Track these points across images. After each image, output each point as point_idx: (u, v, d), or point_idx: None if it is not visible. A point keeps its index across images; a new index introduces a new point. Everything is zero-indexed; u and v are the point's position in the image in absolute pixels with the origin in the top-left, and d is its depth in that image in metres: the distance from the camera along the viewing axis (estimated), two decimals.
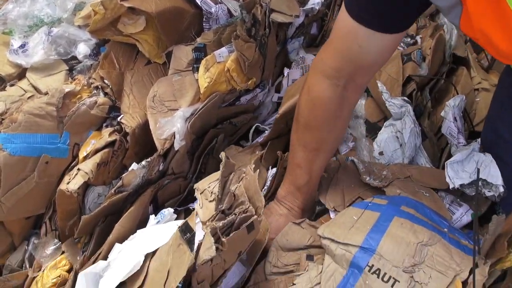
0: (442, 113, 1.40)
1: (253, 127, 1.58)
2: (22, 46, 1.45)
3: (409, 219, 1.01)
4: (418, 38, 1.84)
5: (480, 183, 1.15)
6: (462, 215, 1.18)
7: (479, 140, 1.26)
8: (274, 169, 1.35)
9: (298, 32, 1.82)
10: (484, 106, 1.63)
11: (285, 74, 1.66)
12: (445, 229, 1.02)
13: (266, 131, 1.54)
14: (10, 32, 1.51)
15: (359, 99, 1.29)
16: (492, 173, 1.15)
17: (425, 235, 0.97)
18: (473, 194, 1.16)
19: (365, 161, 1.31)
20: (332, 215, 1.19)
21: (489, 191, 1.14)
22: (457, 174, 1.17)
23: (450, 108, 1.37)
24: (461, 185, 1.16)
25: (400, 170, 1.27)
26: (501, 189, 1.14)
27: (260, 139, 1.52)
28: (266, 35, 1.53)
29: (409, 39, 1.84)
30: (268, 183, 1.33)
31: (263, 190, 1.30)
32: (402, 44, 1.81)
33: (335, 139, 1.24)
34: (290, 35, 1.80)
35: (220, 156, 1.07)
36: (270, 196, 1.31)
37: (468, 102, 1.64)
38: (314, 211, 1.26)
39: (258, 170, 1.11)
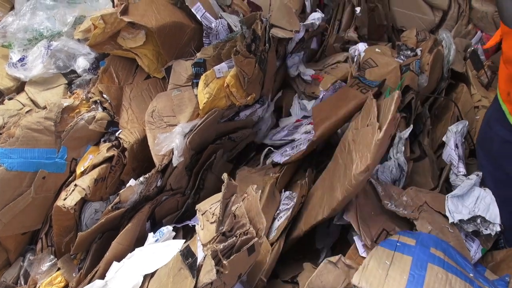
0: (444, 138, 1.39)
1: (266, 149, 1.56)
2: (21, 59, 1.44)
3: (441, 266, 1.01)
4: (418, 50, 1.84)
5: (478, 220, 1.15)
6: (476, 252, 1.18)
7: (480, 174, 1.26)
8: (288, 192, 1.34)
9: (298, 47, 1.82)
10: None
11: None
12: (471, 275, 1.03)
13: (284, 151, 1.52)
14: (10, 45, 1.50)
15: None
16: (491, 211, 1.15)
17: (459, 286, 0.97)
18: (471, 230, 1.16)
19: (381, 182, 1.30)
20: (358, 243, 1.16)
21: (486, 229, 1.15)
22: (457, 208, 1.17)
23: (452, 134, 1.36)
24: (460, 220, 1.17)
25: (416, 196, 1.26)
26: (498, 228, 1.15)
27: (279, 158, 1.48)
28: (266, 50, 1.52)
29: (409, 52, 1.84)
30: (281, 206, 1.31)
31: (277, 214, 1.28)
32: (402, 56, 1.81)
33: None
34: (290, 50, 1.80)
35: (222, 177, 1.06)
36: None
37: (468, 120, 1.63)
38: None
39: (260, 191, 1.10)
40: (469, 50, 1.90)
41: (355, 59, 1.81)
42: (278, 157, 1.46)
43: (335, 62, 1.90)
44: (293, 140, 1.53)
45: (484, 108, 1.67)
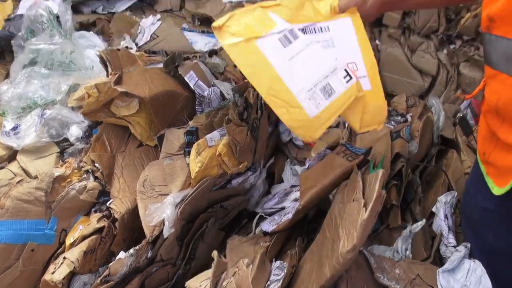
0: (434, 209, 1.39)
1: (257, 217, 1.54)
2: (15, 128, 1.45)
3: None
4: (408, 116, 1.87)
5: None
6: None
7: (468, 245, 1.25)
8: (278, 262, 1.32)
9: None
10: None
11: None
12: None
13: (273, 219, 1.51)
14: (3, 113, 1.51)
15: None
16: (483, 283, 1.14)
17: None
18: None
19: (374, 254, 1.29)
20: None
21: None
22: (449, 284, 1.16)
23: (442, 205, 1.37)
24: None
25: (409, 268, 1.25)
26: None
27: (267, 226, 1.47)
28: (258, 118, 1.54)
29: (399, 117, 1.87)
30: (272, 276, 1.29)
31: (267, 286, 1.26)
32: (392, 122, 1.84)
33: None
34: None
35: (212, 255, 1.05)
36: None
37: (459, 187, 1.64)
38: None
39: (251, 265, 1.08)
40: (458, 115, 1.93)
41: (346, 124, 1.83)
42: (267, 225, 1.45)
43: (328, 127, 1.92)
44: (283, 208, 1.52)
45: None
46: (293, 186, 1.63)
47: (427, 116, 1.80)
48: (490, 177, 1.11)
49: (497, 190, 1.06)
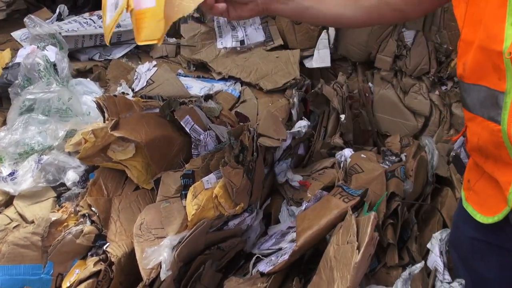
0: (429, 245, 1.40)
1: (254, 258, 1.54)
2: (11, 174, 1.46)
3: None
4: (403, 156, 1.89)
5: None
6: None
7: (462, 282, 1.25)
8: None
9: (285, 154, 1.86)
10: None
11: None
12: None
13: (269, 260, 1.50)
14: (0, 159, 1.52)
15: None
16: None
17: None
18: None
19: None
20: None
21: None
22: None
23: (437, 242, 1.37)
24: None
25: None
26: None
27: (263, 267, 1.46)
28: (253, 160, 1.56)
29: (394, 157, 1.88)
30: None
31: None
32: (387, 162, 1.85)
33: None
34: (278, 157, 1.84)
35: None
36: None
37: None
38: None
39: None
40: (451, 154, 1.95)
41: (341, 165, 1.84)
42: (263, 266, 1.45)
43: (322, 168, 1.94)
44: (280, 249, 1.52)
45: None
46: (290, 227, 1.63)
47: (420, 156, 1.82)
48: (469, 203, 1.12)
49: (482, 218, 1.07)
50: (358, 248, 1.10)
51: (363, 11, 1.28)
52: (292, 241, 1.52)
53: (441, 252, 1.36)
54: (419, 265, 1.33)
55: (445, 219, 1.66)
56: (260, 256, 1.54)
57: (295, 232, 1.53)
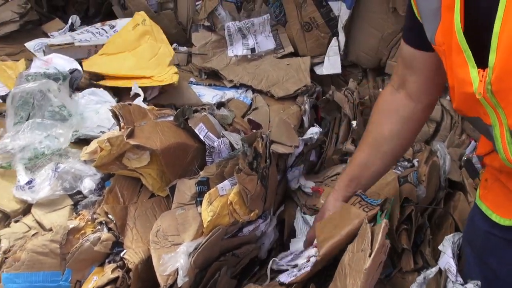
0: (441, 247, 1.40)
1: (270, 263, 1.55)
2: (29, 182, 1.48)
3: None
4: (415, 161, 1.89)
5: None
6: None
7: (478, 283, 1.26)
8: None
9: (298, 160, 1.87)
10: None
11: None
12: None
13: (291, 272, 1.50)
14: (9, 166, 1.54)
15: (409, 111, 1.33)
16: None
17: None
18: None
19: None
20: None
21: None
22: None
23: (449, 244, 1.37)
24: None
25: None
26: None
27: (285, 278, 1.44)
28: (267, 166, 1.57)
29: (406, 163, 1.89)
30: None
31: None
32: (399, 167, 1.86)
33: (377, 134, 1.39)
34: (290, 163, 1.85)
35: None
36: None
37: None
38: None
39: None
40: (463, 159, 1.95)
41: None
42: (285, 277, 1.45)
43: (335, 174, 1.95)
44: (295, 266, 1.51)
45: None
46: None
47: (433, 161, 1.82)
48: (484, 201, 1.17)
49: (499, 219, 1.12)
50: (370, 255, 1.11)
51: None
52: (308, 259, 1.52)
53: (453, 254, 1.37)
54: (434, 269, 1.33)
55: (458, 223, 1.67)
56: (278, 262, 1.54)
57: (313, 248, 1.54)
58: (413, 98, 1.30)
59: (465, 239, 1.39)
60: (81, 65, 2.10)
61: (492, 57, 0.85)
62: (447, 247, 1.39)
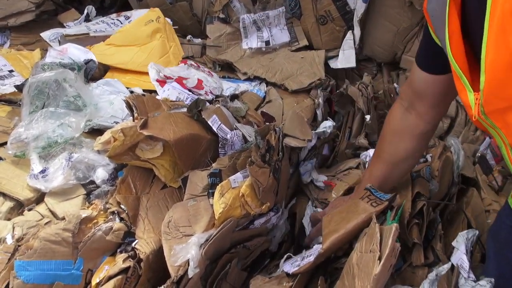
0: (454, 243, 1.39)
1: (285, 256, 1.55)
2: (43, 171, 1.49)
3: None
4: (428, 156, 1.88)
5: None
6: None
7: (492, 280, 1.25)
8: None
9: (310, 154, 1.87)
10: None
11: None
12: None
13: (295, 261, 1.50)
14: (23, 155, 1.55)
15: (421, 130, 1.40)
16: None
17: None
18: None
19: None
20: None
21: None
22: None
23: (463, 240, 1.37)
24: None
25: None
26: None
27: (288, 267, 1.46)
28: (279, 159, 1.57)
29: None
30: None
31: None
32: None
33: (393, 153, 1.47)
34: (303, 157, 1.84)
35: None
36: None
37: (479, 223, 1.64)
38: None
39: None
40: (477, 155, 1.94)
41: (366, 165, 1.84)
42: (288, 266, 1.45)
43: (347, 168, 1.94)
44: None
45: (495, 212, 1.68)
46: None
47: (446, 156, 1.81)
48: None
49: None
50: (380, 259, 1.11)
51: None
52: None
53: (467, 251, 1.36)
54: (446, 266, 1.32)
55: (470, 219, 1.66)
56: (291, 255, 1.54)
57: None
58: (424, 119, 1.36)
59: (490, 234, 1.42)
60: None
61: (482, 80, 0.89)
62: (460, 243, 1.38)
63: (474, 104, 0.94)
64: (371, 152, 1.90)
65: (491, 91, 0.89)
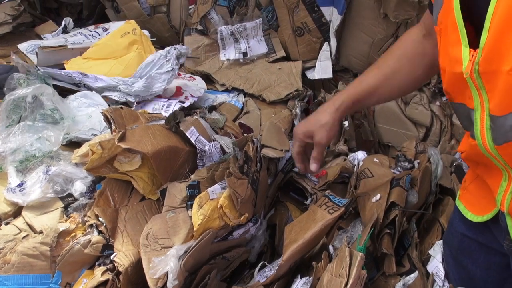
0: (431, 251, 1.42)
1: (259, 265, 1.56)
2: (20, 185, 1.48)
3: None
4: (416, 162, 1.89)
5: None
6: None
7: None
8: None
9: (288, 164, 1.88)
10: None
11: None
12: None
13: (264, 272, 1.52)
14: (0, 169, 1.54)
15: (432, 60, 1.30)
16: None
17: None
18: None
19: None
20: None
21: None
22: None
23: (440, 248, 1.39)
24: None
25: None
26: None
27: (259, 277, 1.49)
28: (257, 170, 1.58)
29: (407, 164, 1.89)
30: None
31: None
32: (399, 168, 1.86)
33: (395, 69, 1.36)
34: (281, 167, 1.86)
35: None
36: None
37: None
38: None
39: None
40: (454, 164, 1.97)
41: (354, 169, 1.85)
42: (259, 276, 1.48)
43: (335, 164, 1.95)
44: None
45: None
46: None
47: (426, 166, 1.83)
48: (462, 201, 1.20)
49: (473, 216, 1.15)
50: (346, 285, 1.14)
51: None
52: None
53: (443, 259, 1.39)
54: (413, 275, 1.35)
55: (444, 227, 1.68)
56: (266, 264, 1.56)
57: None
58: None
59: (444, 241, 1.43)
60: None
61: (483, 37, 0.87)
62: (437, 251, 1.41)
63: (467, 60, 0.91)
64: (359, 153, 1.91)
65: (494, 49, 0.87)
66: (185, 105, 1.93)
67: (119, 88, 1.91)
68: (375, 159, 1.87)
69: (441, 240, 1.45)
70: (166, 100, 1.95)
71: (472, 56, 0.90)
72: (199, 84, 2.14)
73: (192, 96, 2.01)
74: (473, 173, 1.16)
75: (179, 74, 2.19)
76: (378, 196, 1.58)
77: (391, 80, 1.37)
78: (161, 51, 1.94)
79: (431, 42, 1.28)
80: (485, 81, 0.91)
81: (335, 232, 1.58)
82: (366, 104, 1.46)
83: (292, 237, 1.43)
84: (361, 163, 1.84)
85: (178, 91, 2.01)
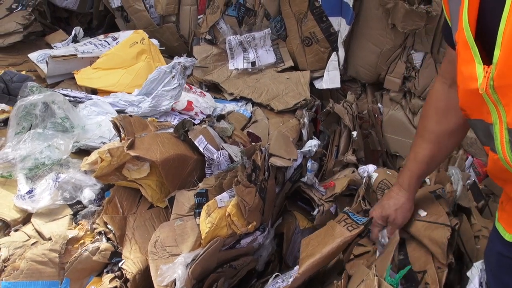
0: (469, 274, 1.39)
1: (273, 276, 1.56)
2: (30, 192, 1.49)
3: None
4: (427, 179, 1.88)
5: None
6: None
7: None
8: None
9: (296, 173, 1.89)
10: None
11: None
12: None
13: (276, 283, 1.51)
14: (10, 176, 1.56)
15: None
16: None
17: None
18: None
19: None
20: None
21: None
22: None
23: (477, 272, 1.36)
24: None
25: None
26: None
27: None
28: (265, 179, 1.58)
29: None
30: None
31: None
32: None
33: (438, 131, 1.40)
34: (289, 176, 1.86)
35: None
36: None
37: (469, 250, 1.65)
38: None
39: None
40: (468, 182, 1.95)
41: (364, 180, 1.85)
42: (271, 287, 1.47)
43: (344, 175, 1.96)
44: None
45: (484, 238, 1.69)
46: None
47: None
48: (501, 223, 1.20)
49: (509, 236, 1.15)
50: None
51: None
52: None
53: (480, 284, 1.36)
54: None
55: (459, 245, 1.67)
56: (279, 274, 1.56)
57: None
58: None
59: (484, 256, 1.41)
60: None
61: (496, 53, 0.89)
62: (474, 275, 1.39)
63: (482, 76, 0.93)
64: (370, 167, 1.91)
65: (508, 65, 0.88)
66: (196, 121, 1.94)
67: (127, 112, 1.92)
68: (387, 171, 1.87)
69: (479, 262, 1.42)
70: (177, 114, 1.95)
71: (487, 72, 0.92)
72: (209, 101, 2.15)
73: (202, 113, 2.02)
74: (506, 193, 1.16)
75: (190, 87, 2.20)
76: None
77: (442, 142, 1.43)
78: (164, 67, 1.94)
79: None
80: (501, 95, 0.92)
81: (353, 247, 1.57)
82: (429, 173, 1.57)
83: (309, 251, 1.42)
84: (374, 175, 1.84)
85: (189, 105, 2.02)
